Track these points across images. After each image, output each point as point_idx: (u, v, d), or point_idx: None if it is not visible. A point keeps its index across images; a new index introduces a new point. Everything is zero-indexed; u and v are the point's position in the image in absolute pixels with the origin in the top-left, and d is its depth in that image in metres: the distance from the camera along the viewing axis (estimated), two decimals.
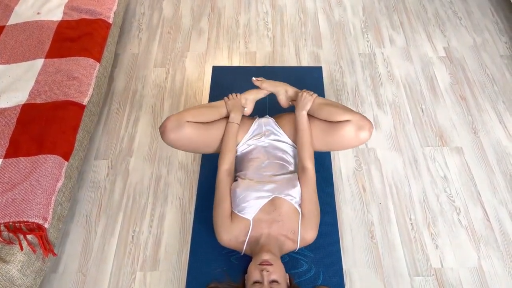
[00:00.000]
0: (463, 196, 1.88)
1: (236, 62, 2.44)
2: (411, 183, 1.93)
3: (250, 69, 2.39)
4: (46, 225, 1.43)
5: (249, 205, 1.62)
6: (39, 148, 1.56)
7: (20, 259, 1.33)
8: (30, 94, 1.74)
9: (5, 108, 1.69)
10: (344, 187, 1.93)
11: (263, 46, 2.52)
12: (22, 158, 1.54)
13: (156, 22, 2.69)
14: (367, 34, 2.55)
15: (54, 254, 1.48)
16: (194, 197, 1.89)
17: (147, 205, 1.89)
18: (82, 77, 1.81)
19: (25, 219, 1.38)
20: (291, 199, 1.63)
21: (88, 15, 2.08)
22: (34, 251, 1.36)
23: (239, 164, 1.79)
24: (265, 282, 1.42)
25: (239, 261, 1.66)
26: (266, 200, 1.62)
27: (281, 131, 1.81)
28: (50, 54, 1.88)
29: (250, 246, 1.60)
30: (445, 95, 2.25)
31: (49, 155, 1.55)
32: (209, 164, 1.89)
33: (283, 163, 1.75)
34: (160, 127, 1.63)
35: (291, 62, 2.43)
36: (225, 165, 1.73)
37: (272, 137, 1.80)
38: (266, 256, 1.48)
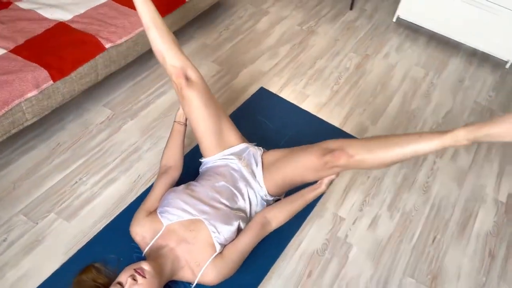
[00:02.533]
0: None
1: (284, 94, 2.33)
2: None
3: (290, 106, 2.27)
4: None
5: (171, 212, 1.50)
6: (39, 58, 1.66)
7: None
8: (73, 18, 1.87)
9: (45, 18, 1.84)
10: (290, 260, 1.67)
11: (320, 94, 2.37)
12: (19, 58, 1.64)
13: (244, 29, 2.73)
14: None
15: None
16: (150, 183, 1.82)
17: (109, 164, 1.87)
18: (123, 27, 1.89)
19: None
20: (213, 232, 1.47)
21: None
22: None
23: (204, 173, 1.69)
24: (129, 285, 1.29)
25: (138, 260, 1.53)
26: (190, 218, 1.49)
27: (259, 172, 1.64)
28: None
29: (151, 250, 1.48)
30: (472, 240, 1.84)
31: (39, 67, 1.63)
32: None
33: (237, 195, 1.59)
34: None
35: (335, 121, 2.23)
36: (163, 161, 1.70)
37: (246, 169, 1.65)
38: (145, 266, 1.34)
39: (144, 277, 1.32)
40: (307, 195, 1.60)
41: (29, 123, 1.68)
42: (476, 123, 1.31)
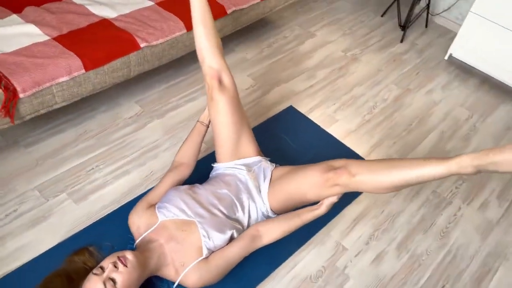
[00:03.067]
0: None
1: (312, 116, 2.30)
2: None
3: (316, 128, 2.23)
4: (20, 95, 1.61)
5: (169, 209, 1.53)
6: (76, 48, 1.78)
7: None
8: (117, 17, 2.00)
9: (92, 13, 1.99)
10: (281, 281, 1.62)
11: (350, 120, 2.31)
12: (60, 46, 1.77)
13: (287, 48, 2.75)
14: (463, 182, 2.09)
15: (12, 122, 1.65)
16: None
17: (127, 157, 1.94)
18: (161, 30, 1.98)
19: (10, 79, 1.59)
20: (204, 237, 1.47)
21: None
22: None
23: (212, 179, 1.70)
24: (105, 274, 1.32)
25: None
26: (185, 218, 1.50)
27: (265, 187, 1.63)
28: (161, 3, 2.12)
29: (142, 242, 1.51)
30: None
31: (75, 55, 1.74)
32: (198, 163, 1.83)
33: (237, 205, 1.58)
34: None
35: (360, 149, 2.16)
36: (177, 157, 1.73)
37: (253, 182, 1.64)
38: (129, 256, 1.36)
39: (125, 266, 1.34)
40: (305, 215, 1.55)
41: (57, 106, 1.79)
42: (482, 150, 1.25)
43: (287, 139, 2.15)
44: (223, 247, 1.52)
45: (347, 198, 1.91)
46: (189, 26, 2.07)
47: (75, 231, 1.65)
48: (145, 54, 1.95)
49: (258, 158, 1.72)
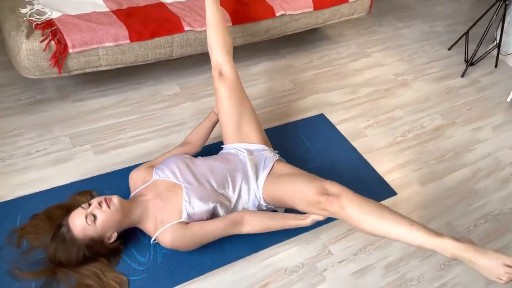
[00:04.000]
0: None
1: (340, 127, 2.30)
2: None
3: (340, 138, 2.23)
4: (69, 50, 1.86)
5: (164, 170, 1.65)
6: (127, 21, 2.00)
7: (34, 47, 1.81)
8: (172, 2, 2.21)
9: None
10: (255, 265, 1.63)
11: (378, 139, 2.27)
12: (114, 16, 2.02)
13: (337, 63, 2.78)
14: (485, 221, 1.93)
15: (59, 72, 1.91)
16: None
17: (153, 127, 2.11)
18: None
19: (64, 34, 1.85)
20: (185, 202, 1.56)
21: None
22: (45, 49, 1.82)
23: (218, 154, 1.80)
24: (89, 209, 1.47)
25: None
26: (175, 181, 1.61)
27: (263, 176, 1.69)
28: None
29: (135, 196, 1.65)
30: None
31: (124, 26, 1.97)
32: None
33: (229, 182, 1.65)
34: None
35: (380, 167, 2.11)
36: (187, 136, 1.90)
37: (252, 166, 1.70)
38: (115, 200, 1.50)
39: (108, 207, 1.48)
40: (289, 221, 1.64)
41: (102, 68, 2.03)
42: (466, 244, 1.30)
43: (307, 142, 2.17)
44: (204, 219, 1.59)
45: None
46: (234, 21, 2.22)
47: (86, 176, 1.84)
48: (188, 37, 2.13)
49: (263, 146, 1.78)
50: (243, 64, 2.62)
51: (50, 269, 1.49)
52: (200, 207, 1.57)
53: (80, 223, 1.45)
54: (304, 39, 2.94)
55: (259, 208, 1.72)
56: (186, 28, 2.09)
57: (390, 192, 2.00)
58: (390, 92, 2.62)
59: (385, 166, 2.13)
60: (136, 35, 1.99)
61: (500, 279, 1.24)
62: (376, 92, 2.60)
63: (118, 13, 2.05)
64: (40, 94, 2.18)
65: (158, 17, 2.08)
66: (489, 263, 1.24)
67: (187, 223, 1.56)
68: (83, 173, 1.85)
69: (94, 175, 1.85)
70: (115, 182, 1.82)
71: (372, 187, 2.01)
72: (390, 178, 2.07)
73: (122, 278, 1.52)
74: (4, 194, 1.72)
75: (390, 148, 2.24)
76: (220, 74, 1.79)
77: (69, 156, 1.91)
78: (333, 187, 1.51)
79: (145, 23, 2.03)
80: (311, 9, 2.47)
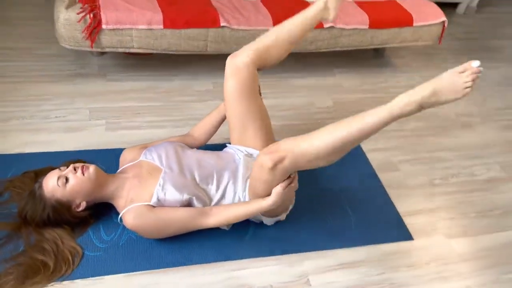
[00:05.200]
0: None
1: (370, 155, 2.04)
2: None
3: (366, 166, 1.99)
4: (103, 26, 1.92)
5: (151, 153, 1.61)
6: (167, 6, 2.03)
7: (71, 17, 1.90)
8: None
9: None
10: (215, 273, 1.46)
11: (411, 177, 1.97)
12: (155, 2, 2.05)
13: (391, 92, 2.53)
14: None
15: (91, 46, 1.98)
16: None
17: (170, 116, 2.08)
18: (246, 18, 2.10)
19: (101, 10, 1.92)
20: (159, 186, 1.49)
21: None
22: (79, 21, 1.90)
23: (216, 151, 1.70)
24: (63, 172, 1.46)
25: None
26: (158, 165, 1.54)
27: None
28: (266, 0, 2.24)
29: (119, 172, 1.61)
30: None
31: (160, 11, 1.99)
32: None
33: (214, 179, 1.54)
34: None
35: (402, 207, 1.81)
36: (191, 129, 1.79)
37: (244, 167, 1.57)
38: (91, 169, 1.48)
39: (82, 174, 1.45)
40: (252, 205, 1.45)
41: (133, 50, 2.06)
42: (418, 88, 1.24)
43: None
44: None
45: (346, 241, 1.64)
46: (276, 24, 2.12)
47: (89, 148, 1.85)
48: (223, 33, 2.09)
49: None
50: (290, 75, 2.50)
51: (17, 224, 1.49)
52: (172, 195, 1.46)
53: (51, 183, 1.44)
54: (363, 62, 2.74)
55: None
56: (222, 24, 2.05)
57: (405, 236, 1.71)
58: (445, 131, 2.29)
59: (409, 206, 1.84)
60: (169, 22, 1.99)
61: (466, 87, 1.21)
62: (427, 128, 2.29)
63: (161, 1, 2.08)
64: (81, 69, 2.28)
65: (196, 8, 2.07)
66: (448, 83, 1.21)
67: (154, 207, 1.46)
68: (88, 145, 1.87)
69: (97, 148, 1.86)
70: (113, 159, 1.79)
71: (384, 224, 1.74)
72: (411, 221, 1.77)
73: (78, 250, 1.47)
74: (9, 148, 1.79)
75: (422, 189, 1.93)
76: (236, 65, 1.51)
77: (82, 127, 1.95)
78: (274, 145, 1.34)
79: (182, 12, 2.03)
80: (366, 27, 2.28)
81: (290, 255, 1.57)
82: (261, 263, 1.53)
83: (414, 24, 2.37)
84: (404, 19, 2.35)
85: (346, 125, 1.26)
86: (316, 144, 1.27)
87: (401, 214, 1.80)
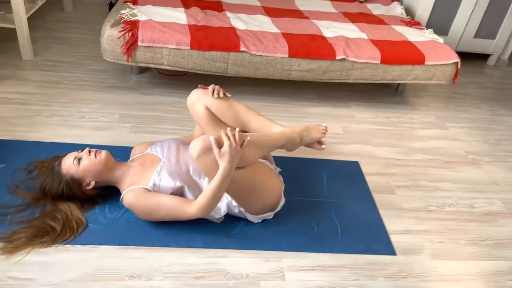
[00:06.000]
0: None
1: (370, 179, 2.13)
2: None
3: (362, 187, 2.07)
4: (139, 43, 2.24)
5: (156, 147, 1.84)
6: (196, 33, 2.32)
7: (113, 34, 2.24)
8: (244, 30, 2.47)
9: (230, 24, 2.52)
10: (198, 257, 1.60)
11: (407, 200, 2.02)
12: (187, 28, 2.35)
13: (403, 126, 2.62)
14: None
15: (128, 60, 2.29)
16: None
17: (189, 127, 2.31)
18: (265, 46, 2.34)
19: (139, 30, 2.25)
20: (156, 173, 1.69)
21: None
22: (119, 38, 2.23)
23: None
24: (80, 154, 1.71)
25: None
26: (159, 156, 1.75)
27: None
28: (285, 33, 2.49)
29: (129, 161, 1.83)
30: None
31: (189, 35, 2.29)
32: None
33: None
34: None
35: (391, 226, 1.87)
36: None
37: None
38: (103, 153, 1.72)
39: (95, 157, 1.69)
40: (216, 177, 1.53)
41: (163, 67, 2.35)
42: (298, 129, 1.75)
43: (324, 180, 2.08)
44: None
45: (329, 247, 1.72)
46: (292, 53, 2.35)
47: (112, 144, 2.10)
48: (243, 58, 2.33)
49: (262, 159, 1.80)
50: (305, 103, 2.69)
51: (38, 195, 1.73)
52: (166, 181, 1.65)
53: (68, 161, 1.69)
54: (381, 98, 2.87)
55: (230, 209, 1.72)
56: (242, 49, 2.31)
57: (388, 251, 1.76)
58: (451, 166, 2.34)
59: (398, 226, 1.89)
60: (196, 44, 2.28)
61: (323, 132, 1.78)
62: (432, 161, 2.35)
63: (192, 26, 2.39)
64: (120, 83, 2.61)
65: (222, 35, 2.35)
66: (314, 127, 1.78)
67: (150, 191, 1.65)
68: (112, 142, 2.13)
69: (119, 145, 2.11)
70: (129, 155, 2.03)
71: (370, 238, 1.79)
72: (398, 239, 1.82)
73: (83, 221, 1.67)
74: (47, 137, 2.09)
75: (415, 212, 1.98)
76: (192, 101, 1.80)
77: (110, 127, 2.22)
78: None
79: (208, 36, 2.31)
80: (378, 62, 2.44)
81: (271, 251, 1.68)
82: (241, 255, 1.65)
83: (426, 63, 2.50)
84: (416, 57, 2.49)
85: (253, 133, 1.60)
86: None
87: (389, 231, 1.85)
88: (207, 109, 1.78)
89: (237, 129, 1.56)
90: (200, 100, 1.78)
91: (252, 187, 1.63)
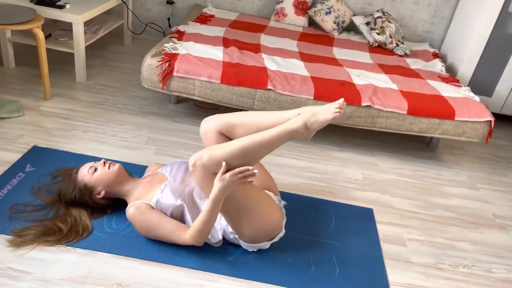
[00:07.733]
0: None
1: (381, 227, 2.06)
2: None
3: (372, 236, 2.02)
4: (174, 73, 2.41)
5: (167, 167, 1.95)
6: (227, 70, 2.46)
7: (152, 63, 2.43)
8: (275, 70, 2.57)
9: (261, 63, 2.64)
10: (190, 281, 1.61)
11: (418, 256, 1.93)
12: (221, 64, 2.50)
13: (430, 182, 2.54)
14: None
15: (162, 88, 2.46)
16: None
17: None
18: (291, 86, 2.42)
19: (176, 62, 2.42)
20: (160, 190, 1.79)
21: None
22: (157, 67, 2.41)
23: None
24: (96, 164, 1.85)
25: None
26: (167, 175, 1.85)
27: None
28: (314, 77, 2.56)
29: (143, 177, 1.93)
30: None
31: (220, 70, 2.42)
32: None
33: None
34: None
35: (394, 278, 1.78)
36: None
37: None
38: (117, 166, 1.85)
39: (108, 168, 1.82)
40: (207, 204, 1.58)
41: (194, 97, 2.49)
42: (303, 111, 1.60)
43: (333, 222, 2.04)
44: (168, 215, 1.73)
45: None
46: (317, 96, 2.41)
47: (135, 163, 2.23)
48: (268, 95, 2.42)
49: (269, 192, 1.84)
50: (330, 148, 2.69)
51: (54, 199, 1.87)
52: (168, 199, 1.72)
53: (84, 170, 1.82)
54: (407, 151, 2.81)
55: (226, 235, 1.74)
56: (269, 86, 2.40)
57: None
58: (474, 227, 2.21)
59: (402, 279, 1.80)
60: (226, 79, 2.41)
61: (335, 112, 1.55)
62: (454, 219, 2.23)
63: (226, 63, 2.53)
64: (156, 109, 2.79)
65: (252, 73, 2.47)
66: (322, 109, 1.57)
67: (153, 208, 1.72)
68: (135, 160, 2.26)
69: (139, 164, 2.23)
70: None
71: (366, 286, 1.72)
72: None
73: (89, 228, 1.77)
74: (78, 149, 2.26)
75: (424, 268, 1.88)
76: (204, 126, 1.76)
77: (136, 147, 2.37)
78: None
79: (239, 73, 2.44)
80: (404, 112, 2.43)
81: (261, 283, 1.66)
82: (232, 282, 1.65)
83: (456, 118, 2.44)
84: (446, 111, 2.44)
85: (251, 137, 1.57)
86: (226, 146, 1.57)
87: (391, 282, 1.77)
88: (220, 133, 1.83)
89: (256, 171, 1.56)
90: (211, 130, 1.77)
91: (244, 208, 1.65)
